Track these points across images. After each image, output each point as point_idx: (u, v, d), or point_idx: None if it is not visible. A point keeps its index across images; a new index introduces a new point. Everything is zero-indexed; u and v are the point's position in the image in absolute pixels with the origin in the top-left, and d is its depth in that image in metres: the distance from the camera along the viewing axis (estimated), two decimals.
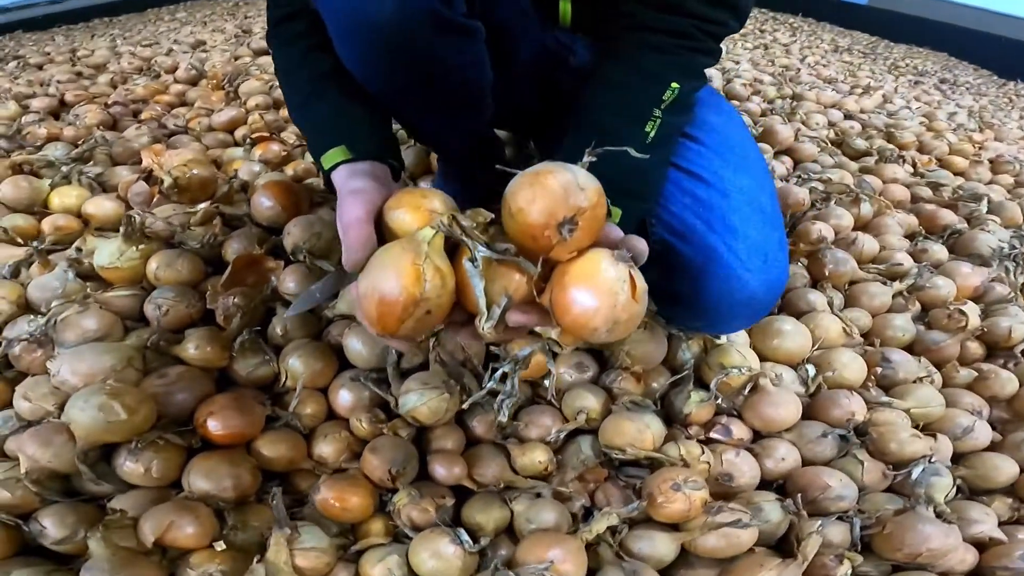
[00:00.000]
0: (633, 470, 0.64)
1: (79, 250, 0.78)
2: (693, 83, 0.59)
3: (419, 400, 0.62)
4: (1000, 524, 0.65)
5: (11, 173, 1.00)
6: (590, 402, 0.67)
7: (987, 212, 1.18)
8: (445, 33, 0.50)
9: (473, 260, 0.39)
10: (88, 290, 0.72)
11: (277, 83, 1.40)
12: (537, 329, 0.44)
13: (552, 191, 0.37)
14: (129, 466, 0.54)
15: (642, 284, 0.39)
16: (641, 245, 0.42)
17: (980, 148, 1.53)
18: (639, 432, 0.63)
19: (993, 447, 0.74)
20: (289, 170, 1.01)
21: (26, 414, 0.60)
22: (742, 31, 2.94)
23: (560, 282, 0.39)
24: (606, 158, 0.39)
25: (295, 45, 0.60)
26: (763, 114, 1.48)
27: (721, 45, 0.62)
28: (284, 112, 1.26)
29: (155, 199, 0.88)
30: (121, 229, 0.73)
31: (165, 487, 0.57)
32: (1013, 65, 3.37)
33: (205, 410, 0.58)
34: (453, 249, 0.41)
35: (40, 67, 1.85)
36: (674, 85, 0.56)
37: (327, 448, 0.62)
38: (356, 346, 0.67)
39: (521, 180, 0.39)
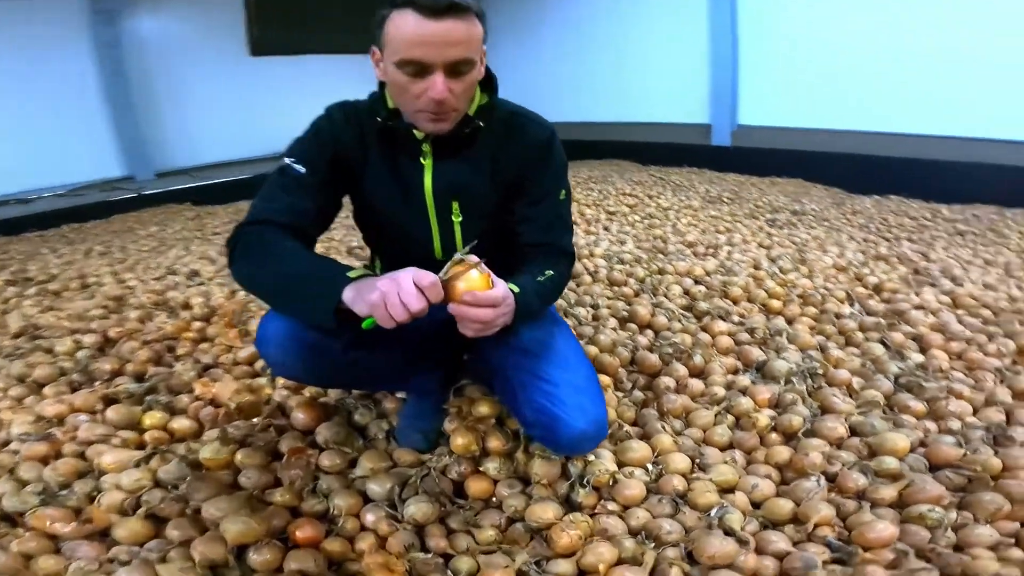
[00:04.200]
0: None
1: (189, 449, 1.22)
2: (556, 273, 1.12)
3: (415, 510, 1.07)
4: (796, 544, 1.03)
5: (103, 401, 1.43)
6: (518, 502, 1.12)
7: (787, 342, 1.73)
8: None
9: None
10: (203, 472, 1.16)
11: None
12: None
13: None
14: (254, 558, 0.98)
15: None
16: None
17: (791, 287, 2.13)
18: (543, 511, 1.07)
19: (781, 494, 1.16)
20: (306, 392, 1.45)
21: (175, 539, 1.01)
22: (634, 202, 3.66)
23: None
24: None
25: (279, 235, 0.99)
26: (636, 294, 2.07)
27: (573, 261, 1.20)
28: None
29: (220, 417, 1.34)
30: (219, 438, 1.20)
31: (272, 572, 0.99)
32: (854, 177, 4.08)
33: (293, 527, 1.03)
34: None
35: (58, 294, 2.33)
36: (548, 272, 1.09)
37: (363, 544, 1.04)
38: (374, 487, 1.13)
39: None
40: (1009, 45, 3.65)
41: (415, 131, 1.05)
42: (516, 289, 0.99)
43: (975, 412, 1.42)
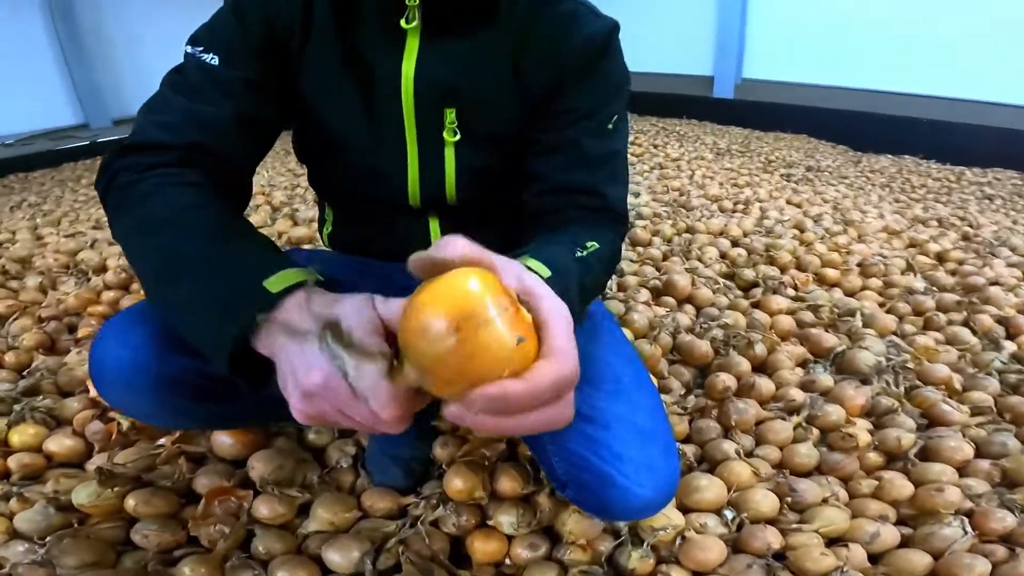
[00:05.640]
0: None
1: (56, 491, 0.82)
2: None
3: None
4: None
5: None
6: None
7: (863, 326, 1.38)
8: None
9: None
10: (75, 522, 0.79)
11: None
12: None
13: None
14: None
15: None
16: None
17: (847, 253, 1.78)
18: None
19: (907, 543, 0.85)
20: None
21: None
22: (640, 151, 3.29)
23: None
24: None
25: (168, 174, 0.57)
26: (665, 258, 1.68)
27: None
28: None
29: (114, 436, 0.93)
30: (96, 478, 0.79)
31: None
32: (863, 136, 3.95)
33: None
34: None
35: None
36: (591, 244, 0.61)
37: None
38: (334, 557, 0.75)
39: None
40: None
41: None
42: (544, 272, 0.50)
43: None
